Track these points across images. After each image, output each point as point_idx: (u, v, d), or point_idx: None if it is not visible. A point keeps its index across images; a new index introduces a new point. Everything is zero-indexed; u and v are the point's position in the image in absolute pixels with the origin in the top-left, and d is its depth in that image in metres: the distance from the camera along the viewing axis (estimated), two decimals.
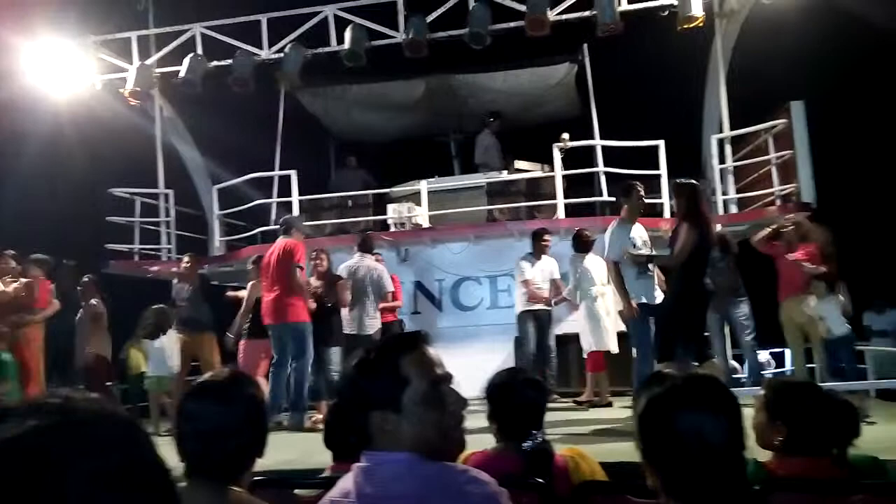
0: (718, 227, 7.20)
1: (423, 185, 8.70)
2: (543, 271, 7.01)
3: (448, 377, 1.39)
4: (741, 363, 6.85)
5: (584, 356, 6.91)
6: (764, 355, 7.59)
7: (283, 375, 6.02)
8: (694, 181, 5.29)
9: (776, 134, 7.99)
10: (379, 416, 1.33)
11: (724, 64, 8.63)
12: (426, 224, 8.60)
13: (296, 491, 2.28)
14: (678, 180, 5.37)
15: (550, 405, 6.40)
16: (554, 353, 7.00)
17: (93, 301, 6.89)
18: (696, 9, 7.73)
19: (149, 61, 9.35)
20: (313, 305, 6.16)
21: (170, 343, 6.93)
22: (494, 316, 8.23)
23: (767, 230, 6.47)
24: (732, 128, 8.49)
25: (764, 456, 2.10)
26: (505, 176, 9.03)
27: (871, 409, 5.12)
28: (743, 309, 6.32)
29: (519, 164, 9.29)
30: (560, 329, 7.35)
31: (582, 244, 6.85)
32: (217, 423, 1.54)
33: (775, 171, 8.01)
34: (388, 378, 1.34)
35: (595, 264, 6.71)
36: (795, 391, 2.12)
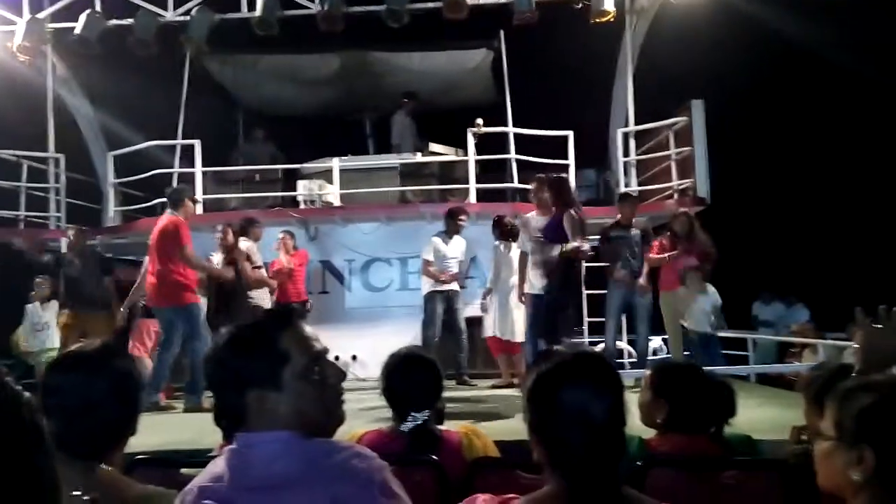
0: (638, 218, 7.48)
1: (336, 163, 8.54)
2: (455, 250, 7.04)
3: (326, 351, 1.36)
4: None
5: (486, 337, 7.01)
6: (657, 342, 7.96)
7: (168, 356, 5.81)
8: (561, 175, 5.69)
9: (677, 131, 8.35)
10: (256, 395, 1.28)
11: (633, 60, 8.92)
12: (337, 203, 8.47)
13: (182, 470, 2.20)
14: (544, 175, 5.82)
15: (459, 386, 6.58)
16: (465, 334, 7.06)
17: None
18: (609, 4, 7.94)
19: (41, 15, 8.69)
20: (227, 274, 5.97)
21: (51, 316, 6.54)
22: (404, 297, 8.22)
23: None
24: (638, 123, 8.80)
25: (649, 434, 2.20)
26: (419, 158, 9.01)
27: (752, 393, 5.48)
28: (647, 297, 6.59)
29: (433, 146, 9.29)
30: (469, 311, 7.41)
31: (504, 232, 6.84)
32: (82, 397, 1.44)
33: (674, 167, 8.38)
34: (267, 355, 1.30)
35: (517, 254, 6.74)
36: (678, 371, 2.23)
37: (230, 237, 6.38)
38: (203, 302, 6.13)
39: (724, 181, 8.52)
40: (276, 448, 1.25)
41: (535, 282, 5.67)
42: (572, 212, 5.35)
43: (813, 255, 12.77)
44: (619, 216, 6.81)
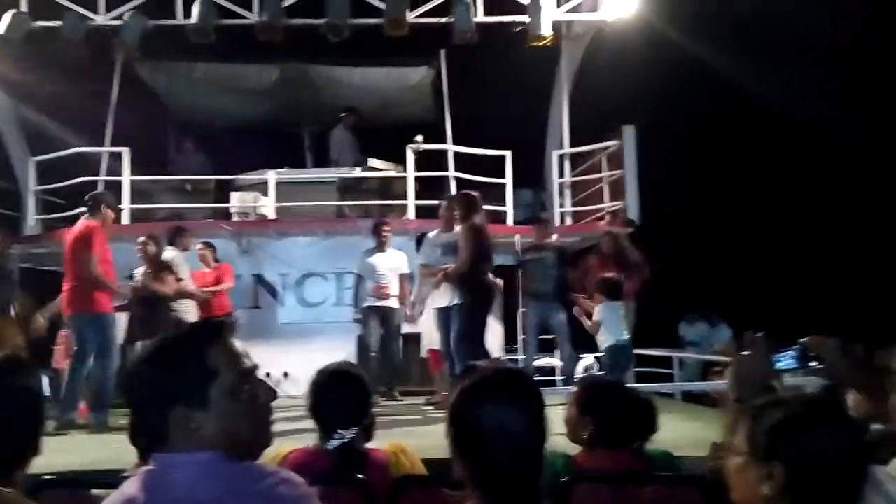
0: (555, 238, 7.65)
1: (272, 175, 8.40)
2: (387, 265, 7.01)
3: (255, 368, 1.31)
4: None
5: (425, 356, 6.99)
6: (589, 359, 8.09)
7: (82, 370, 5.54)
8: (471, 192, 5.99)
9: (609, 154, 8.61)
10: (181, 413, 1.21)
11: (569, 84, 9.15)
12: (272, 216, 8.32)
13: (93, 492, 2.10)
14: (455, 193, 6.02)
15: (389, 402, 6.52)
16: (400, 352, 7.01)
17: None
18: (546, 29, 8.14)
19: None
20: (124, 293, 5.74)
21: None
22: (339, 313, 8.09)
23: None
24: (573, 145, 9.02)
25: (575, 451, 2.23)
26: (357, 173, 8.96)
27: (675, 410, 5.63)
28: (562, 316, 6.71)
29: (373, 162, 9.26)
30: (407, 328, 7.37)
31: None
32: None
33: (606, 189, 8.62)
34: (194, 370, 1.23)
35: None
36: (603, 388, 2.27)
37: (150, 248, 6.14)
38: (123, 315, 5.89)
39: (653, 203, 8.79)
40: (199, 470, 1.19)
41: (446, 295, 5.92)
42: (471, 226, 5.57)
43: (735, 275, 13.31)
44: (535, 238, 7.05)
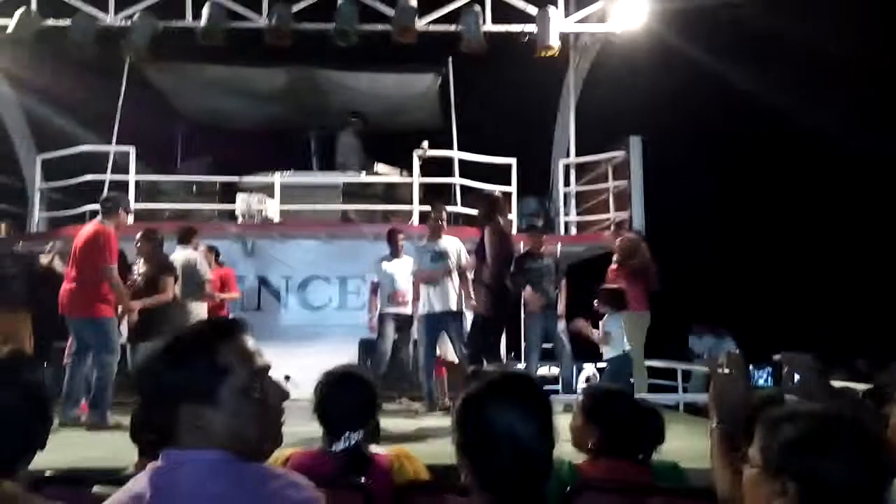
0: (557, 248, 7.64)
1: (277, 178, 8.41)
2: (403, 271, 6.99)
3: (268, 368, 1.30)
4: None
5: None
6: (591, 369, 8.07)
7: (81, 367, 5.54)
8: (495, 193, 5.80)
9: (615, 164, 8.60)
10: (190, 411, 1.20)
11: (576, 94, 9.16)
12: (277, 218, 8.32)
13: (94, 489, 2.08)
14: (485, 193, 5.95)
15: (397, 407, 6.50)
16: (411, 358, 6.99)
17: None
18: (554, 39, 8.13)
19: None
20: (135, 307, 5.70)
21: None
22: (342, 317, 8.10)
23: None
24: (578, 154, 9.01)
25: (580, 458, 2.21)
26: (363, 178, 8.96)
27: (679, 422, 5.59)
28: (562, 325, 6.68)
29: (379, 167, 9.26)
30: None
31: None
32: None
33: (612, 199, 8.61)
34: (205, 368, 1.21)
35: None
36: (610, 397, 2.25)
37: (146, 245, 6.09)
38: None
39: (658, 215, 8.78)
40: (206, 468, 1.17)
41: (435, 301, 6.27)
42: (493, 229, 5.39)
43: (742, 287, 13.27)
44: (529, 246, 7.03)
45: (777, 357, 1.96)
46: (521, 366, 6.75)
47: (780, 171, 13.65)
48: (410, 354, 7.01)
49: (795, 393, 2.00)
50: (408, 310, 6.89)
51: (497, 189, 8.09)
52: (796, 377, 1.95)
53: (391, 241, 7.04)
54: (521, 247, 7.57)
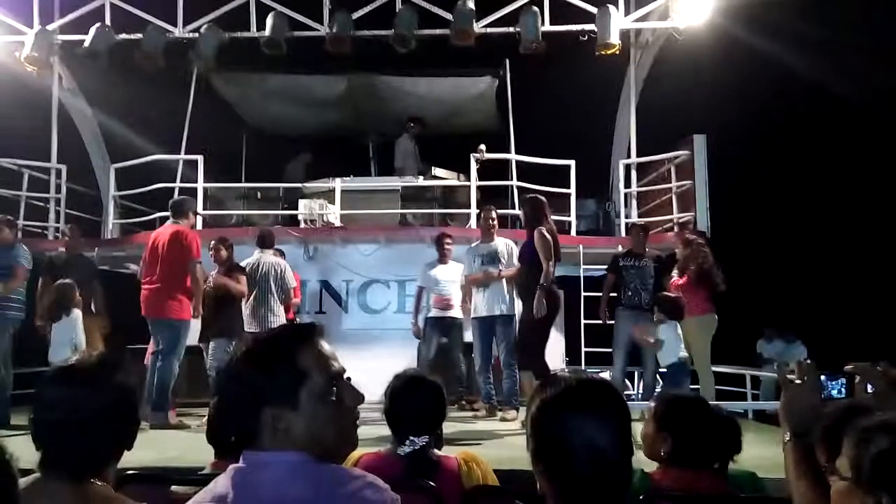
0: (618, 250, 7.47)
1: (338, 184, 8.54)
2: (448, 276, 7.01)
3: (343, 371, 1.31)
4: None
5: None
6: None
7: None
8: (538, 196, 5.90)
9: (678, 164, 8.38)
10: (271, 413, 1.22)
11: (636, 92, 8.98)
12: (338, 223, 8.45)
13: (173, 488, 2.15)
14: (526, 195, 5.88)
15: (462, 413, 6.50)
16: (463, 362, 6.99)
17: None
18: (614, 37, 8.01)
19: (50, 27, 8.77)
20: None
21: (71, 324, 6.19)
22: (401, 320, 8.14)
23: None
24: (639, 154, 8.83)
25: (651, 467, 2.15)
26: (421, 181, 9.02)
27: (749, 430, 5.38)
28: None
29: (436, 171, 9.30)
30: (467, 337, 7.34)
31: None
32: (80, 412, 1.39)
33: (675, 199, 8.39)
34: (285, 371, 1.24)
35: None
36: (684, 404, 2.18)
37: (222, 253, 6.29)
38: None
39: (723, 215, 8.52)
40: (286, 470, 1.20)
41: (481, 305, 6.25)
42: (543, 230, 5.42)
43: (812, 292, 12.74)
44: (630, 245, 6.87)
45: (848, 368, 1.87)
46: (607, 371, 6.60)
47: (855, 167, 13.02)
48: (461, 358, 7.00)
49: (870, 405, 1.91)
50: (453, 313, 6.91)
51: (547, 191, 8.02)
52: (869, 388, 1.85)
53: (438, 246, 7.09)
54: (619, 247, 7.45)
